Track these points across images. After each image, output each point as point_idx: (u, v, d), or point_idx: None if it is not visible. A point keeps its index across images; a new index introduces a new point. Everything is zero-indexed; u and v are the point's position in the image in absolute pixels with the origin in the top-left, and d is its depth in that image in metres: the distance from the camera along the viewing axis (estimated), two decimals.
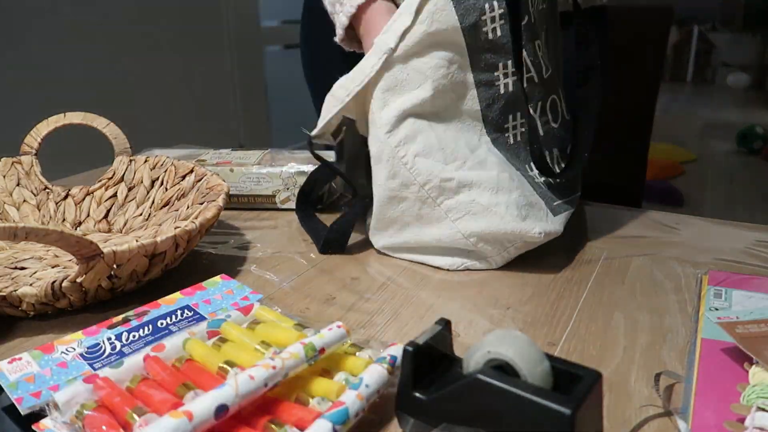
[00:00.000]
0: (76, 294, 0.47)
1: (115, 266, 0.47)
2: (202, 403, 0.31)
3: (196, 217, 0.54)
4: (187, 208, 0.63)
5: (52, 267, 0.57)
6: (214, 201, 0.58)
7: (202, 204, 0.61)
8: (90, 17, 1.88)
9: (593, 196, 0.76)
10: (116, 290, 0.50)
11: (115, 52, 1.96)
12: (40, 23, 1.76)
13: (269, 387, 0.34)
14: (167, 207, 0.67)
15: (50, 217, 0.68)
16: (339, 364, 0.39)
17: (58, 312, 0.49)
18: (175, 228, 0.51)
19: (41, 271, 0.55)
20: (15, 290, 0.45)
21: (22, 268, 0.56)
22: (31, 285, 0.46)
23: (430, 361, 0.35)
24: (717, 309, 0.44)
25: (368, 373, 0.36)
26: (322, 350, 0.37)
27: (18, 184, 0.69)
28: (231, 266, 0.60)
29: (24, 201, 0.68)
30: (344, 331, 0.39)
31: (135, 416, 0.32)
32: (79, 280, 0.46)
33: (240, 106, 2.45)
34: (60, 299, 0.47)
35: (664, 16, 1.16)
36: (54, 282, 0.46)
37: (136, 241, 0.47)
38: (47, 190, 0.69)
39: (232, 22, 2.37)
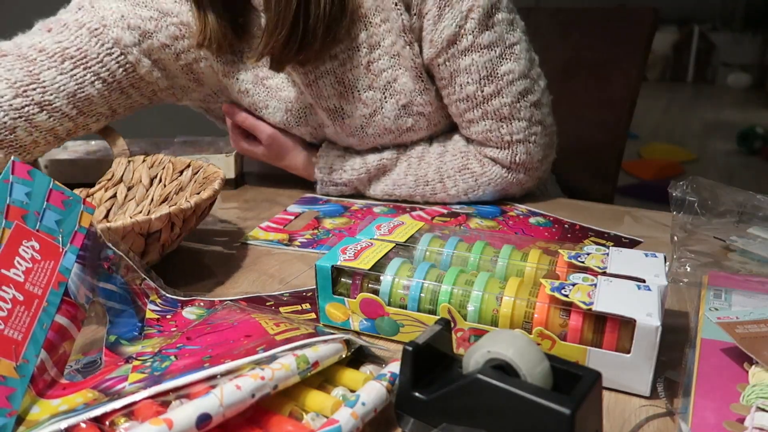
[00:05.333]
0: None
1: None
2: (183, 412, 0.30)
3: (191, 197, 0.54)
4: (185, 200, 0.63)
5: None
6: (210, 185, 0.58)
7: (199, 194, 0.61)
8: None
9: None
10: None
11: None
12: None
13: (257, 398, 0.33)
14: (166, 202, 0.67)
15: None
16: (337, 377, 0.38)
17: None
18: (170, 206, 0.51)
19: None
20: None
21: None
22: None
23: (430, 361, 0.35)
24: (717, 309, 0.44)
25: (366, 391, 0.35)
26: (316, 364, 0.36)
27: None
28: (232, 266, 0.60)
29: None
30: (341, 346, 0.38)
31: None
32: None
33: None
34: None
35: (647, 17, 1.04)
36: None
37: (131, 218, 0.47)
38: None
39: None
